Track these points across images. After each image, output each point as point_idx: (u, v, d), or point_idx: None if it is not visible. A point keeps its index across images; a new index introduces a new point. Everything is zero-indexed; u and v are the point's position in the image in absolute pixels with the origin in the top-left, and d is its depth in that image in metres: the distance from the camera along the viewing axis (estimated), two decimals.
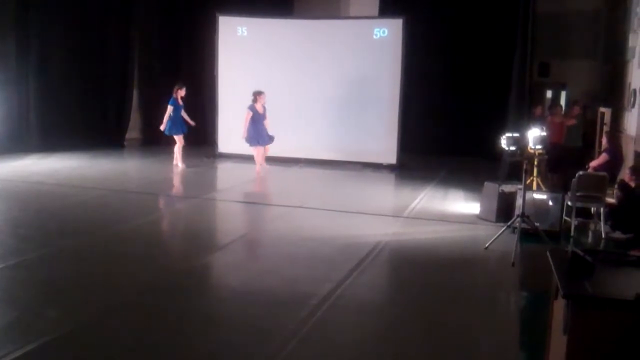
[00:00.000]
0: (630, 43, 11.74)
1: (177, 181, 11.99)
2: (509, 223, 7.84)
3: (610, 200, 8.48)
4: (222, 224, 9.48)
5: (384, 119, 13.59)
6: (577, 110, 12.63)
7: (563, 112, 12.73)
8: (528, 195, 8.03)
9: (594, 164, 9.92)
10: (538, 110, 13.15)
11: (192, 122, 12.78)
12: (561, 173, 11.25)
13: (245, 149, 14.31)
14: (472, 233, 8.34)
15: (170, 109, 12.41)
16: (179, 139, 12.63)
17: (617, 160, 9.90)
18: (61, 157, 13.40)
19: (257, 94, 12.19)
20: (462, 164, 13.84)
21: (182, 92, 12.57)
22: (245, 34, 14.25)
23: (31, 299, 5.60)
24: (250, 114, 12.12)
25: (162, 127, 12.49)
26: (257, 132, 12.24)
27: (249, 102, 12.19)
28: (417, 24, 13.85)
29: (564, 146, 12.14)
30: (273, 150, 13.65)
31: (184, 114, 12.65)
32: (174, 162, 12.76)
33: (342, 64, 13.73)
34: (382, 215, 9.37)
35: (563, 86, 15.90)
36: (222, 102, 14.46)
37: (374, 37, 13.57)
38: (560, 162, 11.67)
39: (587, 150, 12.47)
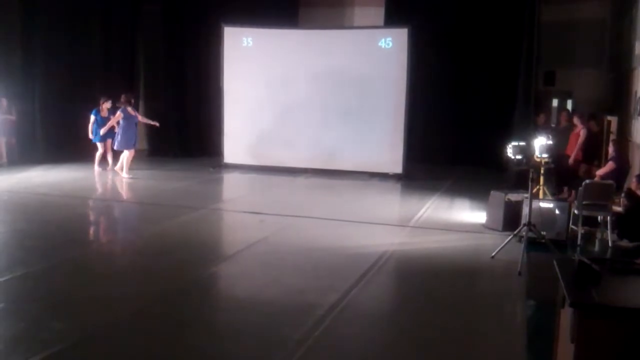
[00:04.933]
0: (636, 51, 11.71)
1: (184, 192, 11.97)
2: (515, 232, 7.82)
3: (617, 208, 8.44)
4: (228, 235, 9.50)
5: (390, 129, 13.59)
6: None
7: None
8: (534, 204, 8.01)
9: (600, 172, 9.87)
10: (541, 119, 13.02)
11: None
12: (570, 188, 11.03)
13: (252, 159, 14.37)
14: (479, 242, 8.32)
15: (92, 118, 13.08)
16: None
17: (623, 169, 9.87)
18: (67, 169, 13.45)
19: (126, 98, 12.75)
20: (468, 173, 13.83)
21: (107, 105, 13.17)
22: (251, 44, 14.30)
23: (38, 310, 5.59)
24: (121, 115, 12.57)
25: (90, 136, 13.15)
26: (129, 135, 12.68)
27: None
28: (422, 34, 13.87)
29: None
30: (280, 160, 13.66)
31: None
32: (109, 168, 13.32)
33: (347, 74, 13.74)
34: (388, 224, 9.36)
35: (569, 94, 15.87)
36: (227, 113, 14.50)
37: (379, 46, 13.59)
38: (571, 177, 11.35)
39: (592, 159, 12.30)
